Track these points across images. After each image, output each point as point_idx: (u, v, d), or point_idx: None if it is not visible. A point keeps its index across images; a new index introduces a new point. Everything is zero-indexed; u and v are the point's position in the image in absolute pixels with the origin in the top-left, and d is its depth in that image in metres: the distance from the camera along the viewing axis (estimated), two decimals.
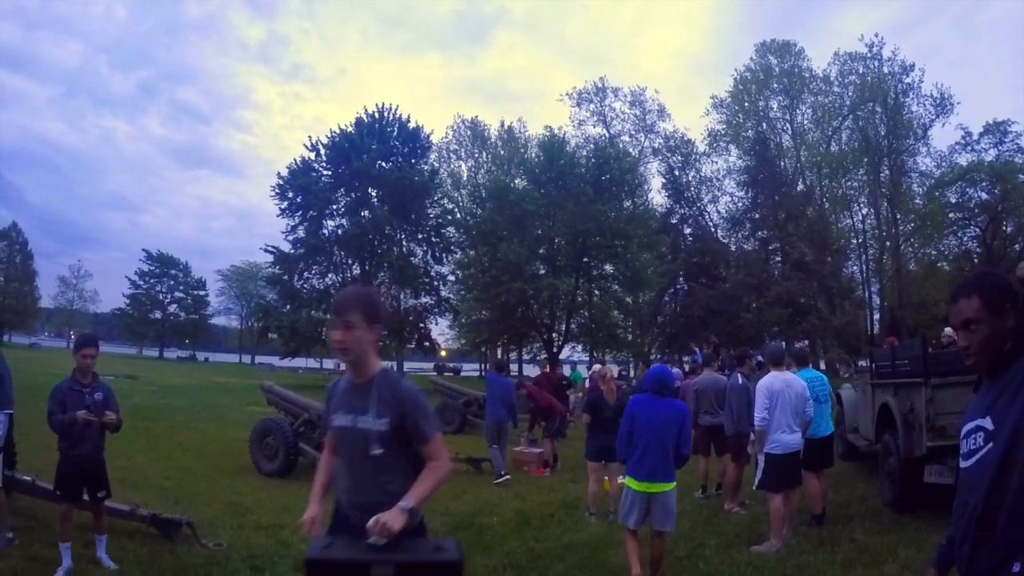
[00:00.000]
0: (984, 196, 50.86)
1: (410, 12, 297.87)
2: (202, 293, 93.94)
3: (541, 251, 45.01)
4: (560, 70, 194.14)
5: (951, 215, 52.62)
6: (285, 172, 46.44)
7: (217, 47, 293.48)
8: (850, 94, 55.53)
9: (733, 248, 53.65)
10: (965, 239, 55.67)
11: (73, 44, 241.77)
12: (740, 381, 9.53)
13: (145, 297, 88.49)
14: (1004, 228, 52.20)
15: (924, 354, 8.08)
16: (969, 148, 52.12)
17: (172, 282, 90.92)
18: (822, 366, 43.69)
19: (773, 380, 7.29)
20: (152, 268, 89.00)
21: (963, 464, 2.21)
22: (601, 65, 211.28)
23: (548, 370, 16.61)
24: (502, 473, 11.81)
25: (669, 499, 6.10)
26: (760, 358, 11.38)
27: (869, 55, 54.10)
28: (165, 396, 27.08)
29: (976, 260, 54.53)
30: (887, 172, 54.84)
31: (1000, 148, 50.98)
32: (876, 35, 54.91)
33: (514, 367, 48.48)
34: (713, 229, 57.70)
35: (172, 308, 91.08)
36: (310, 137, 48.13)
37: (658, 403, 6.14)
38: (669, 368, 9.39)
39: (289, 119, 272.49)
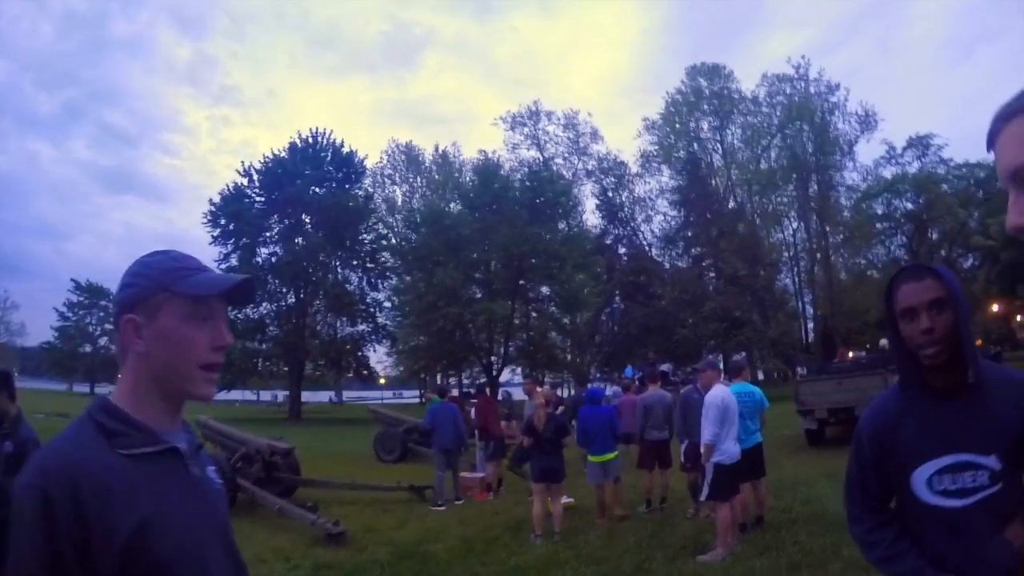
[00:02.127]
0: (909, 206, 52.52)
1: (339, 34, 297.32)
2: None
3: (477, 275, 44.95)
4: (490, 92, 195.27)
5: (878, 225, 54.17)
6: (217, 198, 45.67)
7: (144, 66, 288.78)
8: (778, 114, 56.88)
9: (667, 266, 54.30)
10: (893, 248, 57.35)
11: None
12: (696, 395, 9.58)
13: (74, 330, 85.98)
14: (930, 235, 53.90)
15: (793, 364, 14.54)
16: (893, 161, 53.92)
17: (102, 314, 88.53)
18: (760, 377, 44.56)
19: (724, 393, 7.38)
20: (81, 299, 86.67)
21: (953, 503, 1.92)
22: (530, 88, 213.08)
23: (487, 394, 16.50)
24: (440, 503, 11.77)
25: (615, 462, 9.73)
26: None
27: (796, 76, 55.62)
28: None
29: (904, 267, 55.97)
30: (815, 187, 56.13)
31: (923, 160, 52.82)
32: (803, 57, 56.80)
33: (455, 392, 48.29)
34: (647, 248, 58.34)
35: (103, 341, 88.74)
36: (243, 162, 47.68)
37: (596, 409, 10.01)
38: (599, 388, 14.62)
39: (217, 143, 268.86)
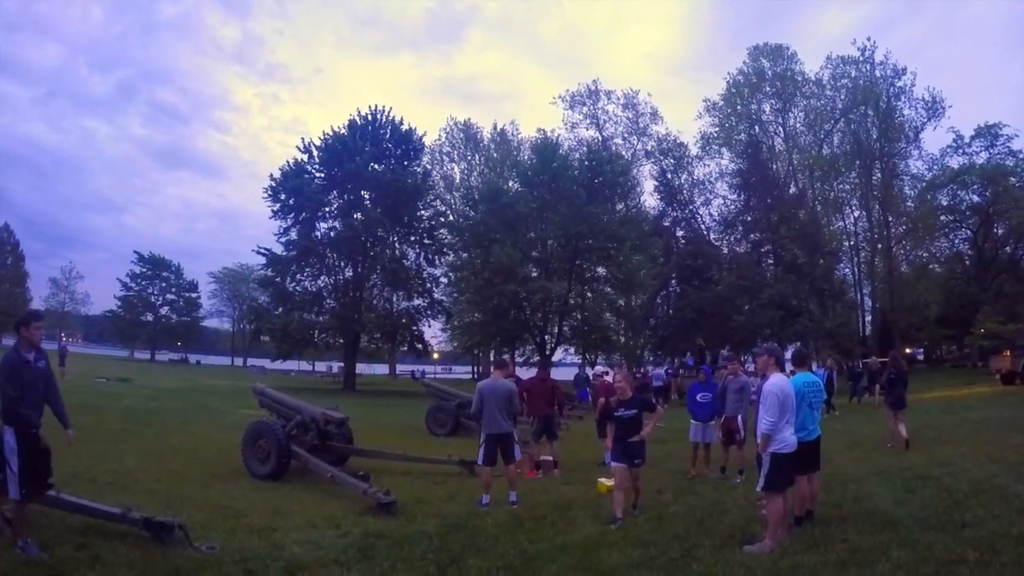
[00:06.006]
0: (975, 199, 51.33)
1: (383, 11, 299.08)
2: (194, 295, 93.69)
3: (534, 253, 44.98)
4: (536, 69, 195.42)
5: (943, 217, 53.06)
6: (276, 174, 46.46)
7: (193, 47, 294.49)
8: (842, 97, 55.78)
9: (725, 251, 53.74)
10: (956, 241, 56.21)
11: (52, 45, 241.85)
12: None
13: (136, 299, 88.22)
14: (995, 230, 52.60)
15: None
16: (960, 151, 52.59)
17: (164, 284, 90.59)
18: (815, 368, 43.94)
19: (782, 382, 7.31)
20: (143, 270, 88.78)
21: None
22: (577, 66, 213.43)
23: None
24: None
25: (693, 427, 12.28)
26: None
27: (861, 59, 54.34)
28: (157, 399, 26.99)
29: (967, 262, 54.94)
30: (879, 175, 55.05)
31: (991, 151, 51.40)
32: (868, 39, 55.22)
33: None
34: (705, 232, 57.85)
35: (164, 310, 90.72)
36: (302, 139, 48.10)
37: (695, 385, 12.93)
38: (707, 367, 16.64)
39: (268, 120, 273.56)
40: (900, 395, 15.10)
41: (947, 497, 8.57)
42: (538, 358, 45.44)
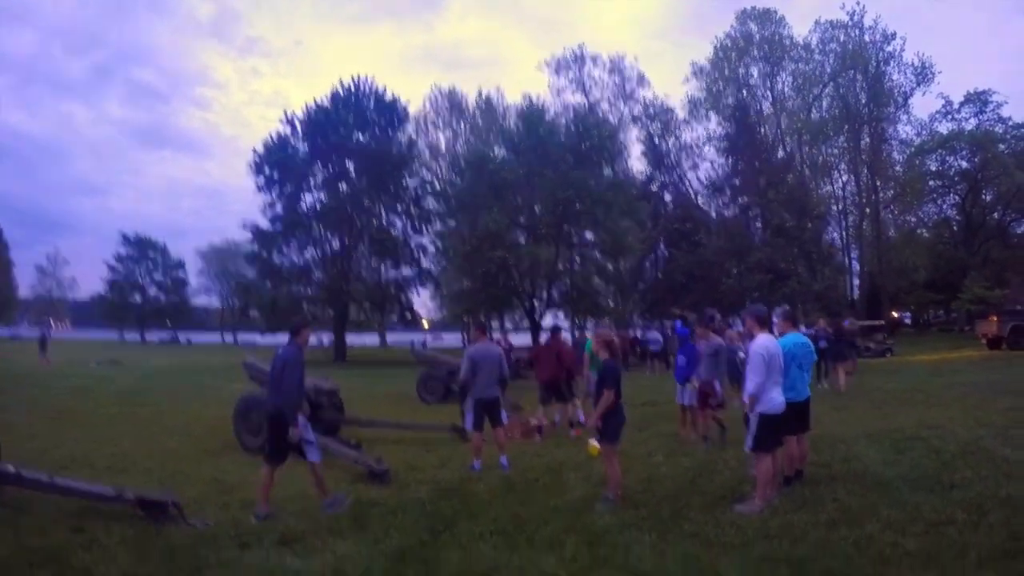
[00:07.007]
0: (964, 164, 51.53)
1: None
2: (181, 274, 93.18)
3: (521, 220, 44.79)
4: (519, 34, 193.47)
5: (931, 183, 53.23)
6: (260, 148, 46.24)
7: (169, 24, 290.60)
8: (831, 62, 55.48)
9: (713, 215, 53.70)
10: (944, 207, 56.39)
11: (26, 30, 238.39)
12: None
13: (124, 281, 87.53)
14: (983, 196, 52.85)
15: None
16: (949, 117, 52.67)
17: (151, 264, 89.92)
18: (803, 330, 44.11)
19: (768, 342, 7.32)
20: (130, 251, 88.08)
21: None
22: (560, 30, 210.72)
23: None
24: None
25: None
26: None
27: (850, 23, 53.97)
28: (149, 379, 27.00)
29: (955, 227, 55.14)
30: (867, 139, 54.94)
31: (980, 117, 51.44)
32: (857, 3, 54.62)
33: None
34: (693, 196, 57.77)
35: (152, 291, 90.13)
36: (285, 112, 47.95)
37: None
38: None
39: (248, 95, 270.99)
40: (840, 351, 19.46)
41: (935, 459, 8.67)
42: (527, 323, 45.57)
